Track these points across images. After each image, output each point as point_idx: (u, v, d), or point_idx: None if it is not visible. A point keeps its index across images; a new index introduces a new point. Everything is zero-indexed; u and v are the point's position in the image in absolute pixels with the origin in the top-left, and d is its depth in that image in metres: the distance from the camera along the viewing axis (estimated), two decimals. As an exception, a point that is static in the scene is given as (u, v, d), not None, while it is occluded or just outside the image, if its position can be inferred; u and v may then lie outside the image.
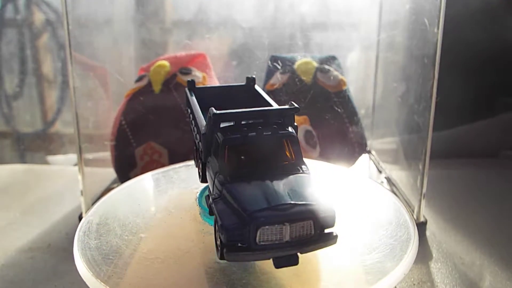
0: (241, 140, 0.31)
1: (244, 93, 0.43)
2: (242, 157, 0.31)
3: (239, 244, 0.28)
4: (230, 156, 0.31)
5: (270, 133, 0.31)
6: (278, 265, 0.28)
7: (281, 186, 0.29)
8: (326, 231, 0.29)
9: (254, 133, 0.31)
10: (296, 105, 0.33)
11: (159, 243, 0.34)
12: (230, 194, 0.29)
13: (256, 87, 0.43)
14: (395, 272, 0.30)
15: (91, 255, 0.33)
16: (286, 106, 0.33)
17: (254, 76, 0.43)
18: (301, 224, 0.27)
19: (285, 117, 0.33)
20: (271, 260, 0.28)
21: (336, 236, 0.29)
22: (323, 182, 0.32)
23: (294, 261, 0.28)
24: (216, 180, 0.31)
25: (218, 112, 0.31)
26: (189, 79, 0.44)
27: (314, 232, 0.28)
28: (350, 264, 0.32)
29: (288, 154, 0.32)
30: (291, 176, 0.30)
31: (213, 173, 0.32)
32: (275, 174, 0.30)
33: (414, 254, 0.32)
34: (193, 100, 0.40)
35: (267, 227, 0.27)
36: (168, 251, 0.31)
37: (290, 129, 0.32)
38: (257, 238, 0.27)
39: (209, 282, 0.30)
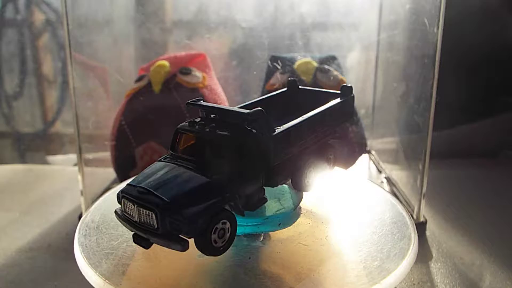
0: (188, 130, 0.33)
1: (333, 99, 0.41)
2: (183, 145, 0.33)
3: None
4: (178, 141, 0.33)
5: (208, 130, 0.32)
6: (133, 240, 0.30)
7: (170, 177, 0.30)
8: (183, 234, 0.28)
9: (198, 127, 0.33)
10: (255, 111, 0.32)
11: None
12: (148, 168, 0.32)
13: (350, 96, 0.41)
14: (395, 273, 0.30)
15: (92, 252, 0.33)
16: (247, 110, 0.32)
17: (350, 85, 0.41)
18: (147, 212, 0.28)
19: (245, 120, 0.32)
20: (270, 260, 0.28)
21: (185, 244, 0.28)
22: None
23: (144, 244, 0.30)
24: None
25: (190, 102, 0.34)
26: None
27: (158, 225, 0.28)
28: (350, 265, 0.32)
29: (215, 156, 0.31)
30: (193, 175, 0.30)
31: None
32: (187, 167, 0.31)
33: (414, 255, 0.32)
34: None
35: (125, 200, 0.30)
36: (168, 249, 0.31)
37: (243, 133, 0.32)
38: (122, 208, 0.30)
39: (210, 279, 0.30)
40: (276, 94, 0.43)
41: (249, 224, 0.35)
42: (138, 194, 0.29)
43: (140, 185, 0.30)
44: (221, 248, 0.30)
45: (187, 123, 0.34)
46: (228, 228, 0.30)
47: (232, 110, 0.33)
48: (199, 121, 0.34)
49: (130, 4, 0.78)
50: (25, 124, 1.01)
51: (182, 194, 0.29)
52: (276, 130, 0.33)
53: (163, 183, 0.30)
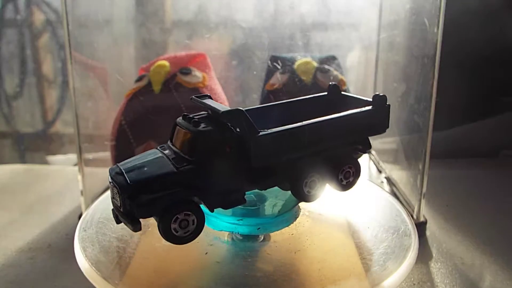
0: (178, 123, 0.34)
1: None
2: (181, 138, 0.34)
3: None
4: (173, 133, 0.35)
5: (191, 125, 0.33)
6: (112, 214, 0.32)
7: (146, 163, 0.32)
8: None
9: (186, 121, 0.34)
10: (231, 110, 0.31)
11: (159, 240, 0.34)
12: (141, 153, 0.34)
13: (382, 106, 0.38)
14: (396, 273, 0.30)
15: (92, 252, 0.33)
16: (226, 108, 0.32)
17: (383, 95, 0.37)
18: (115, 191, 0.30)
19: (218, 117, 0.32)
20: (269, 261, 0.28)
21: (136, 226, 0.29)
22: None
23: (116, 220, 0.32)
24: None
25: (193, 97, 0.36)
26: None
27: (120, 204, 0.30)
28: (351, 266, 0.32)
29: (189, 149, 0.32)
30: (165, 164, 0.31)
31: None
32: (168, 157, 0.32)
33: (414, 255, 0.32)
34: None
35: (110, 179, 0.31)
36: (168, 248, 0.31)
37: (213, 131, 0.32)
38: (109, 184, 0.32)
39: (210, 277, 0.30)
40: (315, 97, 0.41)
41: (224, 221, 0.35)
42: (114, 173, 0.31)
43: (120, 167, 0.31)
44: (183, 238, 0.30)
45: (182, 117, 0.35)
46: (194, 220, 0.30)
47: (211, 106, 0.33)
48: (193, 116, 0.34)
49: (130, 4, 0.78)
50: (25, 124, 1.01)
51: (144, 180, 0.30)
52: (260, 132, 0.31)
53: (137, 168, 0.31)
